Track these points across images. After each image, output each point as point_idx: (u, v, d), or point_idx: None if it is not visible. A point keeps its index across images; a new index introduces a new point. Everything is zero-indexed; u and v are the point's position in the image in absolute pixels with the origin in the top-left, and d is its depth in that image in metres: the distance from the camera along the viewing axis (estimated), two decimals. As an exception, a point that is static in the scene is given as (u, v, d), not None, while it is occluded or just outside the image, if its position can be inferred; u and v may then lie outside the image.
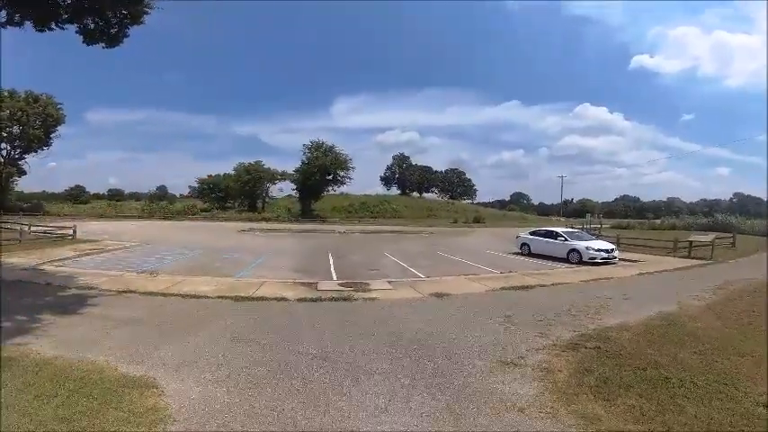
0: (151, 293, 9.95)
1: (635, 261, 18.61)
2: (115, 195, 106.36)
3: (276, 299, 9.44)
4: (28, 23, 10.82)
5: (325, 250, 20.93)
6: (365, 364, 5.60)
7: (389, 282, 12.10)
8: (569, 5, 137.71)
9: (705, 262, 19.15)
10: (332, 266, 15.41)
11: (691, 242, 22.41)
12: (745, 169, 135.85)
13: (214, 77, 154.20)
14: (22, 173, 57.19)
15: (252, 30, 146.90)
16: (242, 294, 9.74)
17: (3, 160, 54.16)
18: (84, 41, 11.58)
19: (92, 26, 11.39)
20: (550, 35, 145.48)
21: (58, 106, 55.87)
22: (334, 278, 12.99)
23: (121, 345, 6.22)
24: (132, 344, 6.28)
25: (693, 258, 20.00)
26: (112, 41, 11.79)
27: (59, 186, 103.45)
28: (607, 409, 4.35)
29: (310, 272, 14.10)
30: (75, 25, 11.27)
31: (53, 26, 11.07)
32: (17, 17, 10.67)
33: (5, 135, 52.49)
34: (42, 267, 13.47)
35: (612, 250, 18.23)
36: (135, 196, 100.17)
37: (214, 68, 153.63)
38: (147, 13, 11.66)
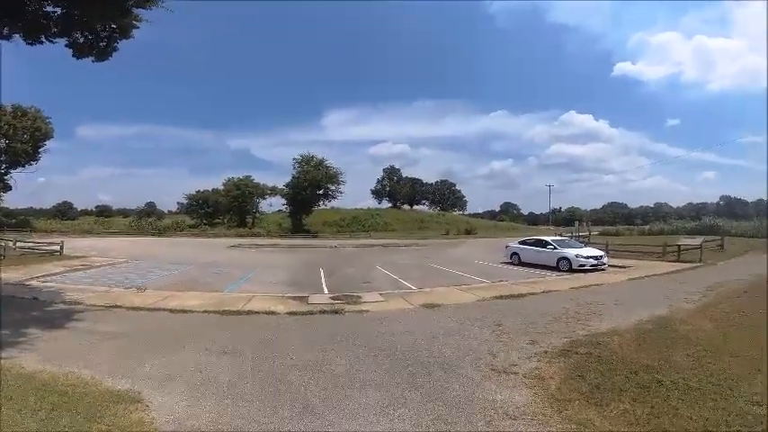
0: (138, 308, 9.86)
1: (624, 267, 18.84)
2: (104, 211, 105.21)
3: (265, 313, 9.33)
4: (17, 37, 10.76)
5: (317, 265, 20.76)
6: (356, 375, 5.51)
7: (381, 294, 12.02)
8: (552, 14, 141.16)
9: (694, 265, 19.44)
10: (323, 280, 15.29)
11: (679, 246, 22.83)
12: (730, 172, 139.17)
13: (205, 91, 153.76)
14: (7, 188, 55.95)
15: (243, 42, 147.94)
16: (230, 309, 9.61)
17: None
18: (73, 55, 11.60)
19: (81, 40, 11.38)
20: (535, 44, 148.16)
21: (47, 120, 55.15)
22: (326, 292, 12.87)
23: (107, 359, 6.16)
24: (118, 358, 6.23)
25: (682, 262, 20.32)
26: (102, 55, 11.81)
27: (48, 202, 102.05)
28: (600, 414, 4.32)
29: (301, 286, 13.95)
30: (65, 39, 11.25)
31: (43, 40, 11.04)
32: (6, 30, 10.63)
33: (-7, 150, 51.42)
34: (29, 283, 13.43)
35: (602, 257, 18.43)
36: (123, 212, 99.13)
37: (205, 82, 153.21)
38: (135, 26, 11.64)
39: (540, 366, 5.73)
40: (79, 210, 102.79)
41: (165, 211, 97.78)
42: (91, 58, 11.78)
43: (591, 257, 17.96)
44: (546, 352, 6.40)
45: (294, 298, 11.35)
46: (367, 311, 9.61)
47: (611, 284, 14.14)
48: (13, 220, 54.18)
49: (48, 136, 55.30)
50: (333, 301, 10.83)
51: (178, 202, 79.06)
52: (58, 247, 23.32)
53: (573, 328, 8.01)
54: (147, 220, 71.76)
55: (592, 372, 5.46)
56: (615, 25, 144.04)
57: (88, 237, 47.63)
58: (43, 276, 14.85)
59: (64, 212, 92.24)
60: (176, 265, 20.08)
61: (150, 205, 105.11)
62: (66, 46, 11.38)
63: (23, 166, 55.06)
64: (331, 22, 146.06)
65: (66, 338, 7.31)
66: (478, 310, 9.83)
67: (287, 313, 9.34)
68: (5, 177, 54.70)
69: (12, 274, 14.72)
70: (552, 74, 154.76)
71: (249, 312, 9.35)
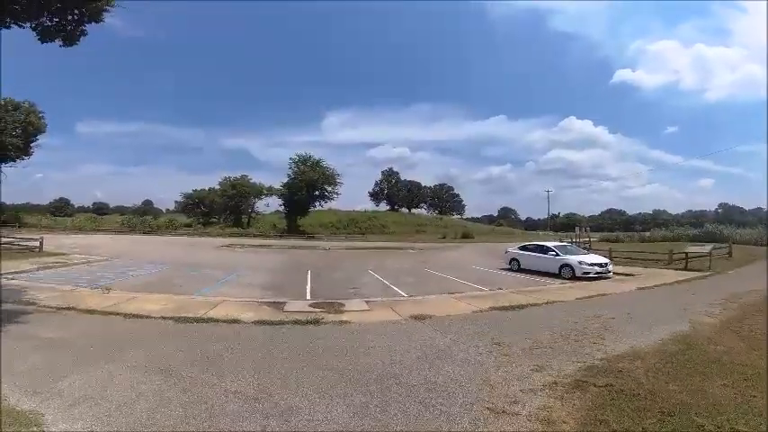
0: (91, 311, 8.85)
1: (630, 275, 17.81)
2: (100, 209, 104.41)
3: (228, 321, 8.15)
4: None
5: (306, 267, 19.61)
6: (313, 411, 4.31)
7: (367, 302, 10.82)
8: (552, 21, 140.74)
9: (704, 274, 18.36)
10: (308, 284, 14.17)
11: (687, 254, 21.80)
12: (727, 180, 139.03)
13: (204, 90, 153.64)
14: None
15: (242, 43, 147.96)
16: (190, 315, 8.46)
17: None
18: (39, 39, 10.96)
19: (48, 24, 10.76)
20: (535, 50, 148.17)
21: (40, 114, 54.02)
22: (308, 297, 11.76)
23: (29, 370, 5.39)
24: (41, 369, 5.40)
25: (691, 270, 19.23)
26: (69, 39, 11.15)
27: (46, 199, 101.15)
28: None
29: (282, 290, 12.85)
30: (32, 23, 10.66)
31: (10, 24, 10.42)
32: None
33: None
34: None
35: (606, 264, 17.40)
36: (120, 210, 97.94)
37: (205, 81, 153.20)
38: (106, 10, 11.10)
39: (550, 404, 4.50)
40: (76, 207, 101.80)
41: (163, 210, 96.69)
42: (59, 43, 11.13)
43: (595, 265, 16.93)
44: (556, 383, 5.17)
45: (269, 304, 10.17)
46: (347, 322, 8.40)
47: (620, 294, 13.03)
48: (3, 215, 52.80)
49: (40, 130, 54.08)
50: (312, 309, 9.65)
51: (175, 201, 77.95)
52: (37, 244, 22.55)
53: (586, 348, 6.81)
54: (140, 218, 70.76)
55: (617, 413, 4.25)
56: (615, 33, 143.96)
57: (78, 234, 46.75)
58: (11, 273, 13.80)
59: (60, 209, 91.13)
60: (156, 264, 19.04)
61: (147, 203, 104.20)
62: (32, 29, 10.72)
63: (14, 161, 53.81)
64: (331, 25, 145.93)
65: (-3, 343, 6.33)
66: (474, 323, 8.60)
67: (254, 322, 8.14)
68: (-5, 172, 53.35)
69: (-22, 271, 13.66)
70: (552, 79, 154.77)
71: (209, 320, 8.19)
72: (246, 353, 6.26)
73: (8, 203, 65.13)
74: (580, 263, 16.75)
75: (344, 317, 8.92)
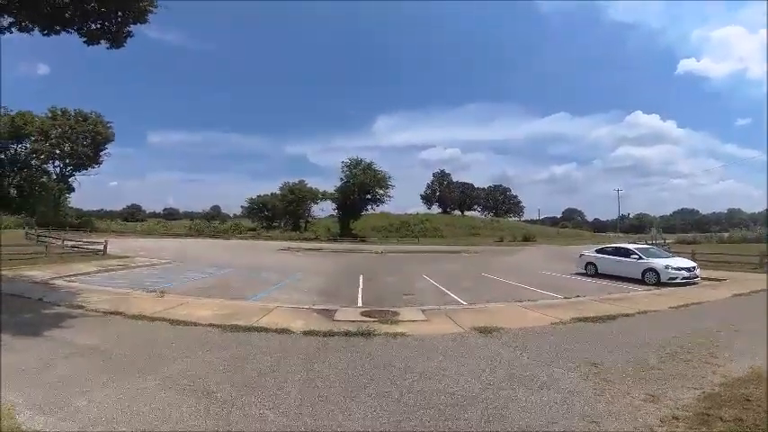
0: (137, 317, 8.51)
1: (719, 280, 15.82)
2: (170, 214, 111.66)
3: (277, 331, 7.52)
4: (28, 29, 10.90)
5: (358, 271, 19.12)
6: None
7: (423, 310, 9.89)
8: (608, 12, 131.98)
9: (803, 277, 15.68)
10: (360, 290, 13.58)
11: (781, 255, 19.30)
12: None
13: (265, 99, 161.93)
14: (71, 189, 59.62)
15: (297, 52, 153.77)
16: (239, 323, 7.94)
17: (55, 177, 56.99)
18: (85, 42, 11.39)
19: (93, 27, 11.17)
20: (592, 43, 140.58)
21: (108, 124, 58.37)
22: (359, 304, 11.12)
23: (52, 382, 4.96)
24: (65, 382, 4.96)
25: (785, 274, 16.58)
26: (115, 41, 11.50)
27: (120, 204, 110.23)
28: None
29: (334, 296, 12.34)
30: (77, 27, 11.11)
31: (59, 30, 10.97)
32: (26, 23, 10.65)
33: (58, 153, 55.26)
34: (54, 282, 12.93)
35: (694, 268, 15.49)
36: (189, 215, 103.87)
37: (265, 90, 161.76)
38: (150, 11, 11.28)
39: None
40: (147, 212, 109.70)
41: (230, 215, 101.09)
42: (105, 45, 11.54)
43: (682, 269, 15.10)
44: (676, 417, 4.02)
45: (320, 311, 9.54)
46: (402, 335, 7.46)
47: (716, 303, 11.30)
48: (78, 221, 57.41)
49: (108, 140, 58.45)
50: (363, 318, 8.83)
51: (241, 206, 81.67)
52: (101, 247, 23.44)
53: (699, 370, 5.50)
54: (207, 223, 74.57)
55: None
56: (674, 20, 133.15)
57: (147, 238, 49.34)
58: (72, 276, 14.31)
59: (132, 215, 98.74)
60: (217, 267, 19.36)
61: (215, 209, 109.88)
62: (77, 33, 11.18)
63: (86, 169, 58.52)
64: (387, 28, 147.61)
65: (30, 350, 6.13)
66: (556, 338, 7.33)
67: (303, 332, 7.47)
68: (69, 179, 58.52)
69: (41, 272, 14.43)
70: (614, 73, 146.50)
71: (258, 329, 7.61)
72: (291, 371, 5.54)
73: (84, 210, 70.79)
74: (666, 267, 14.94)
75: (399, 328, 7.99)
